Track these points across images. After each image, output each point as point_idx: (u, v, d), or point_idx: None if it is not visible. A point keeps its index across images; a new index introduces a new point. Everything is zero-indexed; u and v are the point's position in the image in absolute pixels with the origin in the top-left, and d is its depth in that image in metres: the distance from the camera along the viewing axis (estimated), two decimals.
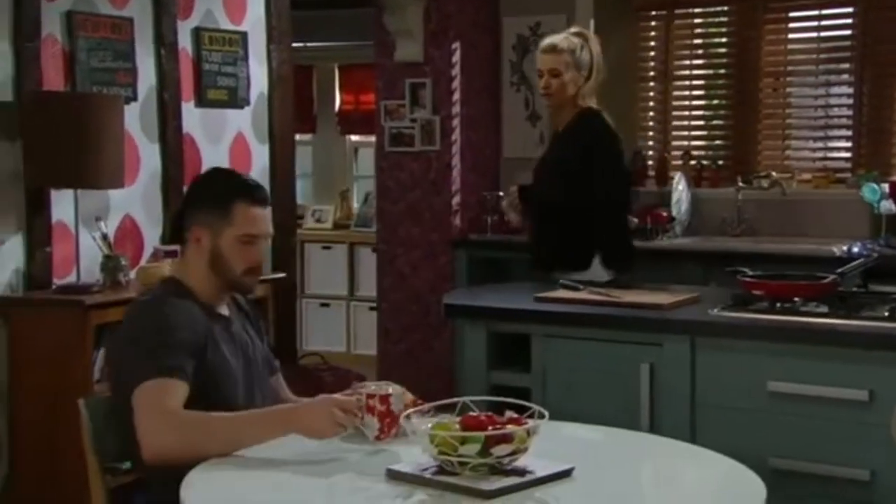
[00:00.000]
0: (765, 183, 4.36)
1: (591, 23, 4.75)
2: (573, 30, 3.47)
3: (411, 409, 1.87)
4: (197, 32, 3.94)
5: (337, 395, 1.87)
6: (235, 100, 4.11)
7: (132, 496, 2.02)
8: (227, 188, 2.11)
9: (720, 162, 4.68)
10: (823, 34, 4.54)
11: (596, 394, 2.64)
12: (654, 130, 4.93)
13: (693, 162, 4.68)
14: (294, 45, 4.47)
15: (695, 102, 4.88)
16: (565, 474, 1.74)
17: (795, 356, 2.42)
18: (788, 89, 4.64)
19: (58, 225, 3.39)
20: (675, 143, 4.86)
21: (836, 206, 4.28)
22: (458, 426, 1.74)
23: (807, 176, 4.50)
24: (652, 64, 4.90)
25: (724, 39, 4.79)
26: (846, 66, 4.48)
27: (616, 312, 2.71)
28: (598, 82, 3.39)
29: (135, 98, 3.65)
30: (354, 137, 7.06)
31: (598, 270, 3.29)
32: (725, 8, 4.73)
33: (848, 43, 4.46)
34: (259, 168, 4.24)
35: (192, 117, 3.92)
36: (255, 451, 1.87)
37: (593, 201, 3.28)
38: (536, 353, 2.75)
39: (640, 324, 2.64)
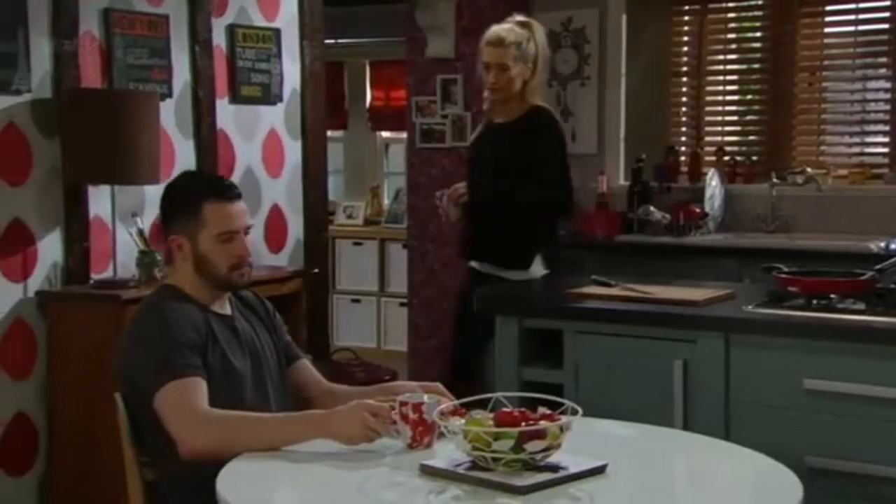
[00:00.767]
0: (799, 179, 4.30)
1: (624, 17, 4.73)
2: (518, 19, 3.38)
3: (443, 406, 1.87)
4: (231, 29, 3.97)
5: (370, 401, 1.87)
6: (268, 96, 4.13)
7: (167, 496, 2.04)
8: (193, 191, 2.12)
9: (754, 158, 4.64)
10: (860, 28, 4.48)
11: (629, 390, 2.63)
12: (687, 126, 4.89)
13: (726, 158, 4.64)
14: (325, 41, 4.49)
15: (728, 98, 4.83)
16: (599, 471, 1.74)
17: (832, 353, 2.40)
18: (824, 84, 4.59)
19: (95, 220, 3.43)
20: (708, 138, 4.82)
21: (873, 202, 4.22)
22: (491, 422, 1.74)
23: (843, 172, 4.45)
24: (685, 59, 4.86)
25: (758, 34, 4.74)
26: (883, 59, 4.42)
27: (649, 309, 2.69)
28: (544, 77, 3.39)
29: (170, 95, 3.69)
30: (385, 134, 7.08)
31: (537, 269, 3.32)
32: (760, 2, 4.69)
33: (885, 37, 4.40)
34: (291, 164, 4.26)
35: (226, 114, 3.95)
36: (290, 446, 1.88)
37: (545, 202, 3.32)
38: (569, 349, 2.74)
39: (673, 320, 2.62)
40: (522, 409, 1.78)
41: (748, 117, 4.83)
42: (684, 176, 4.69)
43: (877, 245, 3.80)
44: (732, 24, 4.80)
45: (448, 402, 1.93)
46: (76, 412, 3.20)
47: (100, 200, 3.42)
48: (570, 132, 4.84)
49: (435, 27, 4.74)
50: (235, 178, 4.00)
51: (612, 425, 2.11)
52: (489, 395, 1.95)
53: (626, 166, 4.74)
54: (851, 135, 4.53)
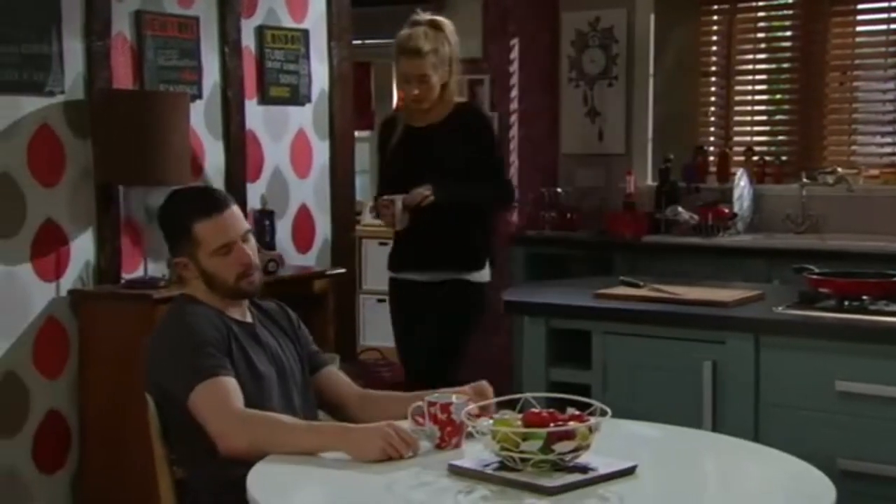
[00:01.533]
0: (830, 179, 4.27)
1: (652, 17, 4.71)
2: (425, 17, 3.20)
3: (473, 406, 1.88)
4: (260, 31, 3.99)
5: (397, 423, 1.87)
6: (297, 97, 4.15)
7: (197, 494, 2.06)
8: (181, 213, 2.12)
9: (783, 158, 4.60)
10: (893, 27, 4.42)
11: (657, 391, 2.62)
12: (716, 126, 4.86)
13: (755, 158, 4.60)
14: (353, 42, 4.51)
15: (758, 97, 4.80)
16: (628, 472, 1.73)
17: (864, 355, 2.37)
18: (855, 83, 4.54)
19: (126, 220, 3.47)
20: (736, 138, 4.79)
21: None
22: (519, 423, 1.74)
23: (874, 171, 4.40)
24: (714, 59, 4.83)
25: (788, 33, 4.70)
26: None
27: (678, 310, 2.68)
28: (460, 72, 3.26)
29: (200, 96, 3.72)
30: None
31: (487, 270, 3.28)
32: (790, 1, 4.64)
33: None
34: (319, 165, 4.28)
35: (255, 114, 3.98)
36: None
37: (498, 198, 3.28)
38: (597, 349, 2.74)
39: (703, 321, 2.61)
40: (551, 410, 1.78)
41: (777, 117, 4.79)
42: (713, 176, 4.66)
43: None
44: (762, 24, 4.76)
45: (487, 401, 1.92)
46: (108, 410, 3.24)
47: (131, 201, 3.45)
48: (598, 132, 4.83)
49: (462, 28, 4.74)
50: (264, 178, 4.03)
51: (640, 426, 2.10)
52: (518, 396, 1.95)
53: (654, 166, 4.72)
54: (883, 134, 4.48)
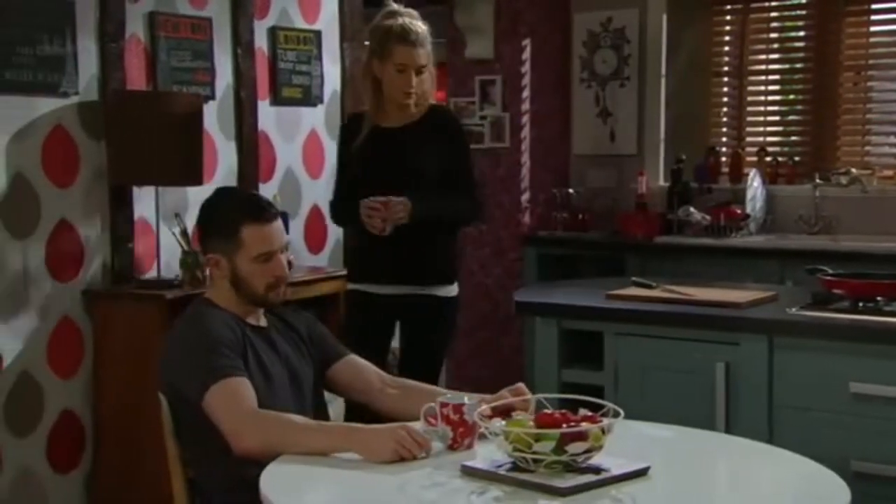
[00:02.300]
0: (843, 179, 4.25)
1: (664, 17, 4.70)
2: (409, 10, 2.95)
3: (485, 405, 1.88)
4: (273, 32, 4.00)
5: (409, 424, 1.88)
6: (309, 98, 4.17)
7: (210, 494, 2.07)
8: (232, 213, 2.13)
9: (796, 158, 4.58)
10: None
11: (670, 393, 2.62)
12: (729, 126, 4.85)
13: (768, 158, 4.58)
14: (365, 42, 4.51)
15: (770, 98, 4.78)
16: (641, 473, 1.73)
17: (879, 357, 2.36)
18: (869, 83, 4.52)
19: (139, 221, 3.48)
20: (749, 139, 4.78)
21: None
22: (532, 423, 1.74)
23: (888, 172, 4.38)
24: (726, 59, 4.82)
25: (801, 33, 4.68)
26: None
27: (691, 311, 2.68)
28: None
29: (213, 97, 3.73)
30: None
31: (456, 285, 3.06)
32: (804, 1, 4.63)
33: None
34: (331, 165, 4.27)
35: (268, 115, 3.99)
36: None
37: (473, 211, 3.02)
38: (609, 350, 2.73)
39: (716, 322, 2.60)
40: (563, 411, 1.78)
41: (791, 117, 4.77)
42: (725, 177, 4.65)
43: None
44: (775, 24, 4.74)
45: (501, 402, 1.92)
46: (122, 410, 3.25)
47: (144, 201, 3.47)
48: (609, 132, 4.82)
49: (474, 28, 4.74)
50: (276, 178, 4.04)
51: (652, 427, 2.10)
52: (529, 397, 1.95)
53: (666, 167, 4.70)
54: None
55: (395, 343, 3.14)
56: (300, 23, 4.13)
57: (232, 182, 3.85)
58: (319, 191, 4.22)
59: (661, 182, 4.69)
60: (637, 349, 2.70)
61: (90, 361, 3.32)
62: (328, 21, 4.25)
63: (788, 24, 4.75)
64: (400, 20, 2.92)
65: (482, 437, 1.85)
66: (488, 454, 1.79)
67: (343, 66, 4.31)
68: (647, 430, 2.07)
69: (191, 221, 3.58)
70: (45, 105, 3.21)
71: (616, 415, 1.76)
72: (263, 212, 2.13)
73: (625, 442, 1.77)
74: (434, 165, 2.94)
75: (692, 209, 4.33)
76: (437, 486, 1.73)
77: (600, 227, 4.67)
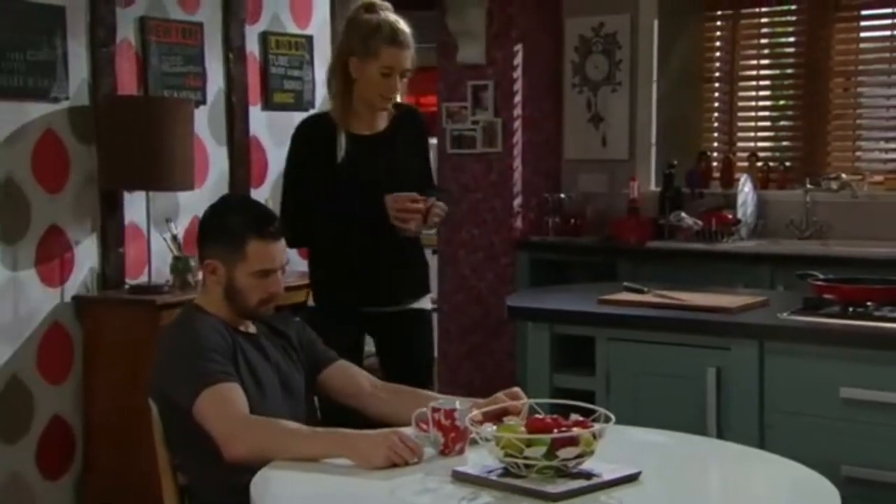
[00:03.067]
0: (834, 185, 4.26)
1: (656, 23, 4.71)
2: (385, 3, 2.77)
3: (476, 410, 1.88)
4: (264, 37, 4.00)
5: (401, 430, 1.88)
6: (301, 103, 4.16)
7: (202, 500, 2.06)
8: (239, 224, 2.12)
9: (787, 163, 4.60)
10: None
11: (661, 398, 2.62)
12: (720, 132, 4.86)
13: (759, 163, 4.60)
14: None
15: (761, 103, 4.80)
16: (632, 478, 1.73)
17: (869, 362, 2.37)
18: (860, 89, 4.54)
19: (130, 226, 3.48)
20: (740, 144, 4.79)
21: None
22: (523, 429, 1.74)
23: (878, 177, 4.40)
24: (717, 64, 4.83)
25: (791, 39, 4.70)
26: None
27: (682, 315, 2.68)
28: None
29: (204, 102, 3.73)
30: None
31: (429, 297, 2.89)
32: (794, 7, 4.65)
33: None
34: None
35: (259, 120, 3.99)
36: None
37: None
38: (601, 356, 2.73)
39: (707, 327, 2.60)
40: (555, 416, 1.78)
41: (781, 123, 4.78)
42: (716, 182, 4.65)
43: None
44: (766, 30, 4.76)
45: (492, 407, 1.92)
46: (112, 416, 3.24)
47: (135, 207, 3.46)
48: (601, 138, 4.83)
49: (466, 33, 4.75)
50: (268, 184, 4.04)
51: (644, 433, 2.10)
52: (522, 402, 1.95)
53: (658, 172, 4.71)
54: (887, 140, 4.47)
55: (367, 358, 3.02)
56: (292, 28, 4.13)
57: (223, 187, 3.85)
58: None
59: (653, 187, 4.70)
60: (629, 354, 2.70)
61: (80, 367, 3.31)
62: (320, 26, 4.26)
63: (779, 30, 4.76)
64: (384, 15, 2.70)
65: (473, 442, 1.85)
66: (480, 459, 1.78)
67: None
68: (638, 436, 2.07)
69: (181, 226, 3.58)
70: (36, 110, 3.20)
71: (607, 420, 1.75)
72: (271, 229, 2.13)
73: (616, 447, 1.77)
74: (415, 168, 2.80)
75: (684, 214, 4.34)
76: (428, 492, 1.73)
77: (592, 232, 4.67)
